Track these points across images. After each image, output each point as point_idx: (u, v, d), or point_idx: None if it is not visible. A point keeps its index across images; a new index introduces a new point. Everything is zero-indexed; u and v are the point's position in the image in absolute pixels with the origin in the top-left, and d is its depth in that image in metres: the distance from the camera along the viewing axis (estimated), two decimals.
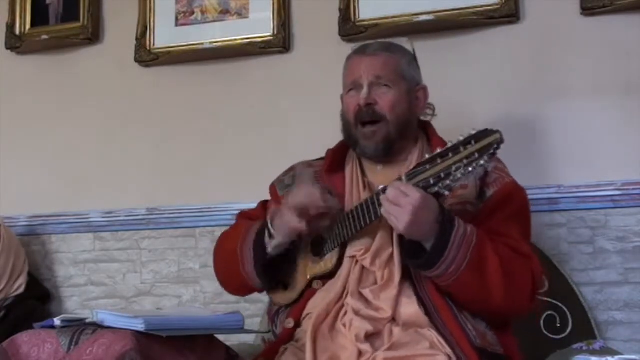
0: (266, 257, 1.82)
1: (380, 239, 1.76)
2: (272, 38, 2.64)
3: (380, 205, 1.66)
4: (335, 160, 1.94)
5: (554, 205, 2.30)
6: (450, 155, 1.55)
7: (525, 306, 1.75)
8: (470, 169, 1.53)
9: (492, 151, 1.52)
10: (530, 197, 2.28)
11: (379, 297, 1.71)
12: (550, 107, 2.37)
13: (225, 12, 2.72)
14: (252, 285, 1.90)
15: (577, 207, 2.29)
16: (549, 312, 2.18)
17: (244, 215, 2.08)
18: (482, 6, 2.41)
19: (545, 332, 2.18)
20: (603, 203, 2.27)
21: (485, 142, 1.52)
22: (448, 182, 1.57)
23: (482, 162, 1.52)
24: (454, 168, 1.54)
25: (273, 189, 2.03)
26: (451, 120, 2.41)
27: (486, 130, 1.53)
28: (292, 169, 2.04)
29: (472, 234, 1.66)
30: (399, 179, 1.63)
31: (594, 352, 1.83)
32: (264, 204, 2.05)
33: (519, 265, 1.71)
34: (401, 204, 1.60)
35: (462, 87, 2.45)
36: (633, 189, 2.24)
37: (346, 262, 1.78)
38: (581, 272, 2.26)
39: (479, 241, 1.66)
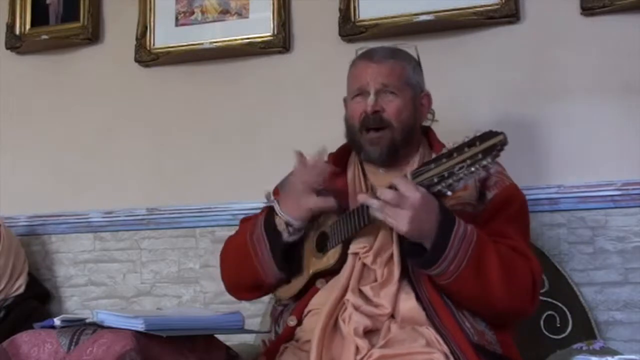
0: (282, 242, 1.84)
1: (382, 238, 1.77)
2: (272, 38, 2.64)
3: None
4: (336, 164, 1.94)
5: (554, 205, 2.30)
6: (455, 155, 1.57)
7: (526, 306, 1.76)
8: (473, 169, 1.54)
9: (495, 152, 1.53)
10: (530, 197, 2.29)
11: (378, 295, 1.73)
12: (550, 107, 2.37)
13: (225, 12, 2.72)
14: (266, 280, 1.89)
15: (577, 207, 2.29)
16: (549, 312, 2.18)
17: (247, 221, 2.08)
18: (482, 6, 2.41)
19: (545, 332, 2.18)
20: (603, 203, 2.27)
21: (490, 143, 1.53)
22: (451, 181, 1.58)
23: (485, 162, 1.53)
24: (457, 167, 1.56)
25: (276, 192, 2.03)
26: (451, 120, 2.42)
27: (490, 131, 1.55)
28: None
29: (473, 233, 1.67)
30: (405, 176, 1.64)
31: (594, 352, 1.83)
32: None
33: (520, 265, 1.73)
34: (401, 205, 1.61)
35: (462, 87, 2.45)
36: (633, 189, 2.24)
37: (349, 258, 1.79)
38: (581, 272, 2.26)
39: (479, 240, 1.67)
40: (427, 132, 1.99)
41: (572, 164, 2.32)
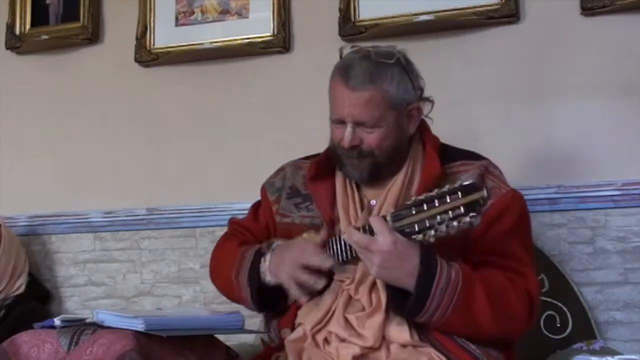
0: (263, 286, 1.80)
1: (363, 266, 1.69)
2: (272, 38, 2.64)
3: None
4: (319, 170, 1.87)
5: (554, 205, 2.30)
6: (436, 202, 1.53)
7: (521, 330, 1.71)
8: (455, 223, 1.51)
9: (477, 208, 1.50)
10: (530, 197, 2.29)
11: (363, 325, 1.67)
12: (550, 107, 2.37)
13: (225, 12, 2.72)
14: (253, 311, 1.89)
15: (577, 207, 2.29)
16: (549, 312, 2.18)
17: (236, 223, 2.07)
18: (482, 6, 2.41)
19: (545, 332, 2.18)
20: (603, 203, 2.27)
21: (472, 197, 1.50)
22: (433, 232, 1.54)
23: (467, 219, 1.50)
24: (438, 219, 1.52)
25: (264, 191, 2.01)
26: (451, 120, 2.42)
27: (473, 184, 1.52)
28: (282, 169, 2.01)
29: (457, 278, 1.61)
30: (384, 218, 1.60)
31: (594, 352, 1.83)
32: (255, 210, 2.03)
33: (514, 293, 1.67)
34: (370, 247, 1.58)
35: (462, 87, 2.45)
36: (633, 189, 2.24)
37: (334, 284, 1.75)
38: (581, 272, 2.26)
39: (464, 283, 1.61)
40: (421, 129, 1.87)
41: (572, 164, 2.32)
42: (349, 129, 1.74)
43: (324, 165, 1.87)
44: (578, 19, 2.36)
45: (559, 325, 2.17)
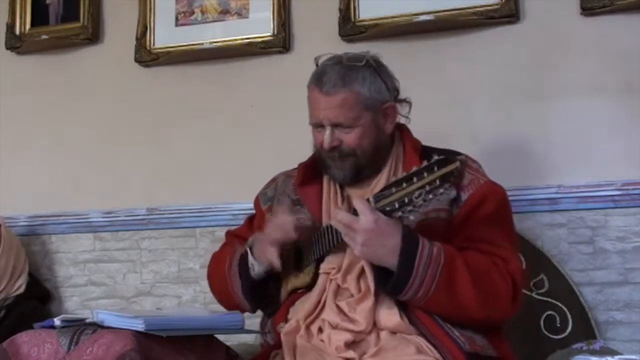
0: (251, 279, 1.86)
1: (350, 255, 1.76)
2: (272, 38, 2.64)
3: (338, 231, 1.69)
4: (307, 174, 1.94)
5: (554, 205, 2.30)
6: (415, 180, 1.57)
7: (505, 313, 1.74)
8: (430, 196, 1.57)
9: (451, 179, 1.55)
10: (530, 197, 2.29)
11: (354, 310, 1.72)
12: (550, 107, 2.37)
13: (225, 12, 2.72)
14: (247, 310, 1.93)
15: (577, 207, 2.29)
16: (549, 312, 2.19)
17: (232, 234, 2.13)
18: (482, 6, 2.41)
19: (545, 332, 2.18)
20: (603, 203, 2.27)
21: (446, 170, 1.55)
22: (411, 207, 1.59)
23: (442, 190, 1.55)
24: (416, 194, 1.57)
25: (257, 201, 2.06)
26: (451, 120, 2.43)
27: (448, 158, 1.56)
28: (274, 180, 2.06)
29: (439, 255, 1.66)
30: (367, 200, 1.65)
31: (594, 352, 1.83)
32: (250, 221, 2.09)
33: (496, 274, 1.71)
34: (354, 227, 1.63)
35: (462, 87, 2.45)
36: (633, 189, 2.24)
37: (320, 277, 1.80)
38: (581, 272, 2.26)
39: (447, 261, 1.66)
40: (401, 130, 1.93)
41: (572, 164, 2.32)
42: (327, 131, 1.81)
43: (311, 170, 1.94)
44: (578, 19, 2.36)
45: (559, 325, 2.18)
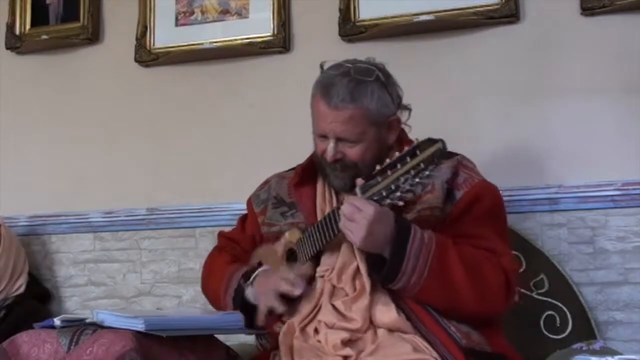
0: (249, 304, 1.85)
1: (344, 255, 1.78)
2: (272, 38, 2.64)
3: (338, 220, 1.69)
4: (304, 176, 1.94)
5: (554, 205, 2.30)
6: (399, 166, 1.58)
7: (498, 306, 1.75)
8: (417, 180, 1.57)
9: (435, 161, 1.55)
10: (530, 197, 2.29)
11: (350, 308, 1.73)
12: (550, 107, 2.37)
13: (225, 12, 2.72)
14: None
15: (577, 207, 2.29)
16: (549, 312, 2.19)
17: (224, 237, 2.12)
18: (482, 6, 2.41)
19: (545, 332, 2.18)
20: (603, 203, 2.27)
21: (429, 152, 1.55)
22: (399, 193, 1.60)
23: (427, 172, 1.56)
24: (402, 180, 1.58)
25: (249, 203, 2.07)
26: (451, 120, 2.42)
27: (429, 139, 1.56)
28: (266, 182, 2.06)
29: (431, 241, 1.67)
30: (354, 193, 1.65)
31: (594, 352, 1.83)
32: (242, 221, 2.10)
33: (489, 266, 1.72)
34: (356, 219, 1.63)
35: (462, 87, 2.45)
36: (633, 189, 2.24)
37: (318, 281, 1.80)
38: (581, 272, 2.26)
39: (439, 248, 1.67)
40: (400, 135, 1.90)
41: (572, 164, 2.32)
42: (331, 144, 1.81)
43: (307, 172, 1.94)
44: (578, 19, 2.36)
45: (559, 325, 2.18)
